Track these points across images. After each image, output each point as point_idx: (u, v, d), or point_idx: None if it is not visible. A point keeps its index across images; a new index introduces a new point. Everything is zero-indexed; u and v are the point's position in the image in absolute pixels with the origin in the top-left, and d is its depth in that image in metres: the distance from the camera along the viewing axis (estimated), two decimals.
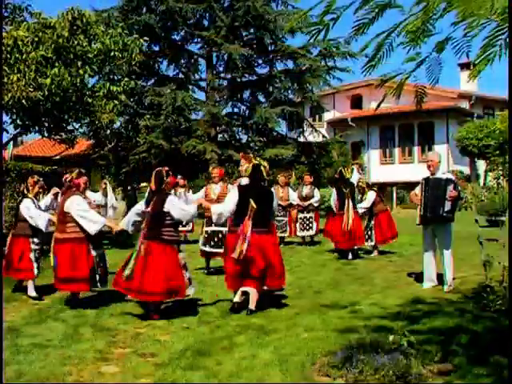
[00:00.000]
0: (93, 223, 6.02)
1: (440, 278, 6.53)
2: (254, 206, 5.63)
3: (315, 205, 11.61)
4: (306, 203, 11.50)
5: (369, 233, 9.79)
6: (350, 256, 9.42)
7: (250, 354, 4.34)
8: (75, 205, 6.07)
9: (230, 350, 4.49)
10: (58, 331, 5.13)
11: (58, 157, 25.57)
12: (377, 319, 5.12)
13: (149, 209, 5.74)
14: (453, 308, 5.35)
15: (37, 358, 4.33)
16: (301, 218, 11.49)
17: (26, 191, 7.11)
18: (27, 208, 6.75)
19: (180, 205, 5.87)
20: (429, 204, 6.41)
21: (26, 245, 6.79)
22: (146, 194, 6.06)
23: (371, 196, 9.88)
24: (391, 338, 4.05)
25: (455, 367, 3.77)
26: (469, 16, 2.46)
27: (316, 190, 11.85)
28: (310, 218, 11.48)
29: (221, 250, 7.65)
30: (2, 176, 15.84)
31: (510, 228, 5.72)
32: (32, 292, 6.73)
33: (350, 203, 9.33)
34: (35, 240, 6.88)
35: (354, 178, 9.77)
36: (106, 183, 7.78)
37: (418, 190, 6.75)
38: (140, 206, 6.00)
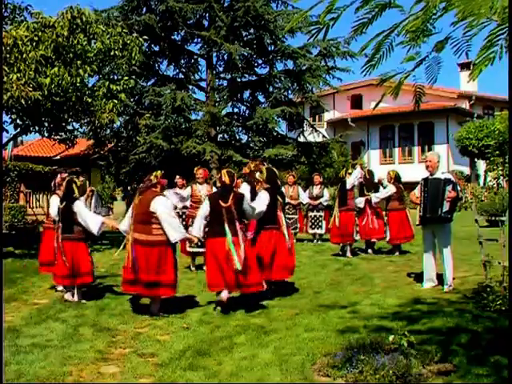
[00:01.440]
0: (174, 231, 5.74)
1: (440, 278, 6.52)
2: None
3: (324, 204, 12.00)
4: (316, 202, 11.90)
5: (383, 228, 9.88)
6: (348, 253, 9.72)
7: (250, 354, 4.34)
8: (163, 207, 5.78)
9: (230, 350, 4.49)
10: (57, 331, 5.13)
11: (58, 157, 25.62)
12: (377, 319, 5.12)
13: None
14: (453, 308, 5.35)
15: (37, 358, 4.33)
16: (311, 217, 11.99)
17: (57, 189, 7.11)
18: (82, 210, 6.51)
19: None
20: (428, 204, 6.40)
21: (86, 249, 6.62)
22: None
23: (388, 188, 9.82)
24: (391, 338, 4.05)
25: (455, 367, 3.77)
26: (468, 16, 2.46)
27: (325, 189, 12.30)
28: (320, 216, 11.92)
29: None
30: (2, 176, 15.85)
31: (510, 228, 5.72)
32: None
33: (337, 202, 9.94)
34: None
35: (352, 177, 9.83)
36: (92, 190, 7.84)
37: (417, 190, 6.75)
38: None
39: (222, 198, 5.99)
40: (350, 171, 10.26)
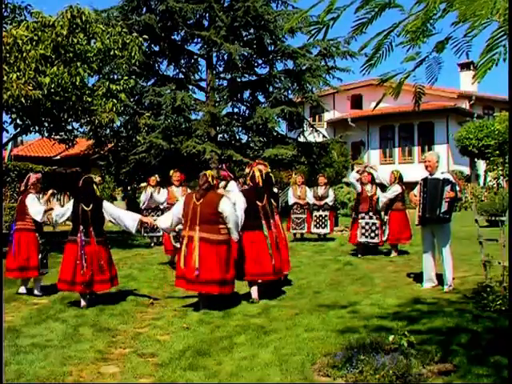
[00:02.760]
0: (236, 231, 6.09)
1: (440, 278, 6.52)
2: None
3: (330, 204, 12.10)
4: (322, 202, 12.03)
5: (382, 227, 9.75)
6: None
7: (250, 354, 4.34)
8: (230, 208, 6.05)
9: (230, 350, 4.48)
10: (57, 331, 5.13)
11: (58, 157, 25.60)
12: (377, 319, 5.12)
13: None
14: (453, 308, 5.35)
15: (37, 358, 4.33)
16: (316, 216, 12.09)
17: (30, 189, 7.04)
18: (113, 210, 6.52)
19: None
20: (427, 204, 6.41)
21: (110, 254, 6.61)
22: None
23: (396, 188, 9.72)
24: (391, 338, 4.05)
25: (455, 367, 3.77)
26: (470, 17, 2.45)
27: (331, 190, 12.43)
28: (326, 216, 12.03)
29: None
30: (2, 176, 15.84)
31: (510, 228, 5.72)
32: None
33: None
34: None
35: (351, 175, 9.92)
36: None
37: (416, 190, 6.75)
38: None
39: (258, 198, 6.53)
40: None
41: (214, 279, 5.83)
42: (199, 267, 5.79)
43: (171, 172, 9.57)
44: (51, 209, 6.81)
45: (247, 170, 7.14)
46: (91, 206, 6.21)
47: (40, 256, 6.86)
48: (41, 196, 7.28)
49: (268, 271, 6.33)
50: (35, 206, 6.85)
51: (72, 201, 6.46)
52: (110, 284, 6.33)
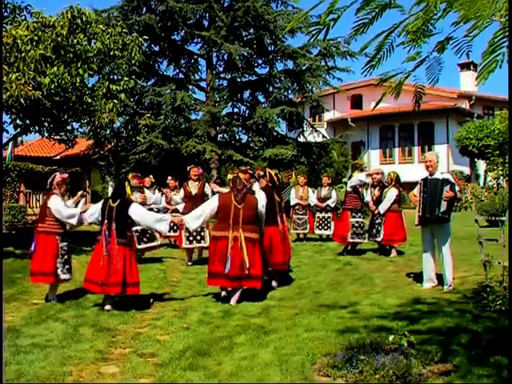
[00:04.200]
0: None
1: (440, 278, 6.52)
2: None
3: (332, 205, 12.08)
4: (323, 205, 12.01)
5: (378, 228, 9.72)
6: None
7: (250, 354, 4.34)
8: (264, 208, 6.63)
9: (230, 350, 4.49)
10: (57, 331, 5.13)
11: (58, 157, 25.60)
12: (377, 319, 5.12)
13: None
14: (453, 308, 5.34)
15: (37, 358, 4.33)
16: (319, 217, 12.11)
17: (54, 189, 6.66)
18: (141, 211, 6.48)
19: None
20: (427, 204, 6.41)
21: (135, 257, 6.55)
22: None
23: (392, 194, 9.64)
24: (391, 338, 4.05)
25: (455, 367, 3.77)
26: (471, 18, 2.45)
27: (333, 191, 12.36)
28: (328, 217, 12.03)
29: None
30: (2, 176, 15.86)
31: (510, 228, 5.72)
32: None
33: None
34: None
35: (353, 179, 9.89)
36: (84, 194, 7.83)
37: (416, 190, 6.75)
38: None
39: (277, 194, 7.33)
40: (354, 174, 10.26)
41: (259, 275, 6.28)
42: (249, 265, 6.18)
43: (188, 168, 9.74)
44: (86, 210, 6.68)
45: (261, 173, 7.55)
46: (118, 202, 6.19)
47: (59, 261, 6.46)
48: (65, 198, 6.91)
49: (279, 261, 7.11)
50: (64, 209, 6.52)
51: (102, 200, 6.50)
52: (122, 289, 6.00)
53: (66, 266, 6.53)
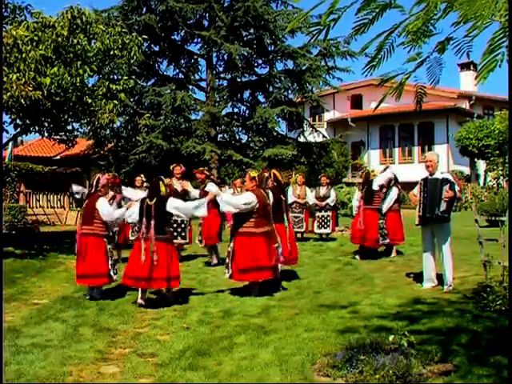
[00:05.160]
0: None
1: (440, 278, 6.52)
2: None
3: (331, 204, 12.14)
4: (323, 203, 12.05)
5: (385, 231, 9.64)
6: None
7: (250, 354, 4.34)
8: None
9: (230, 350, 4.49)
10: (57, 331, 5.13)
11: (58, 157, 25.61)
12: (377, 319, 5.12)
13: None
14: (453, 308, 5.34)
15: (37, 358, 4.33)
16: (318, 217, 12.13)
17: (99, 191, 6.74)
18: (178, 204, 6.67)
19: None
20: (427, 204, 6.42)
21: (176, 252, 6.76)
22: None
23: (393, 193, 9.60)
24: (391, 338, 4.05)
25: (455, 367, 3.77)
26: (472, 18, 2.45)
27: (332, 190, 12.47)
28: (328, 216, 12.07)
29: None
30: (2, 176, 15.86)
31: (510, 228, 5.72)
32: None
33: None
34: None
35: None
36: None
37: (416, 190, 6.76)
38: None
39: (282, 193, 7.65)
40: (375, 173, 10.12)
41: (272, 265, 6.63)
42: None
43: (172, 167, 9.72)
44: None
45: (266, 174, 7.63)
46: (154, 200, 6.31)
47: (110, 262, 6.64)
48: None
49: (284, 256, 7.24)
50: (114, 211, 6.72)
51: (140, 200, 6.61)
52: (167, 283, 6.22)
53: (115, 267, 6.77)
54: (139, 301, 6.16)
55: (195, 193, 8.66)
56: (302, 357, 4.17)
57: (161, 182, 6.44)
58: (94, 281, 6.58)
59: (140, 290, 6.25)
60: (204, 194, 8.18)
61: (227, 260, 6.77)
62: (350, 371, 3.75)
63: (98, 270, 6.51)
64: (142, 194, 10.02)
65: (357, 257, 9.43)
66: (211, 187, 8.50)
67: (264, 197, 6.72)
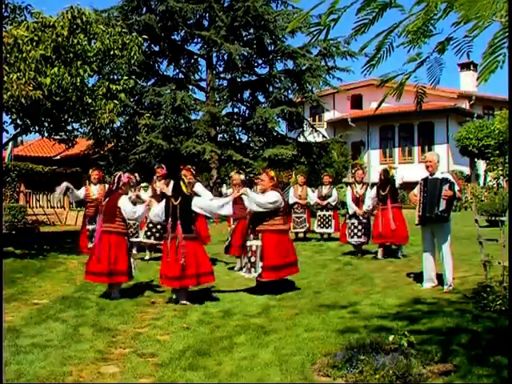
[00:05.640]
0: None
1: (440, 278, 6.53)
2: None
3: (333, 204, 12.12)
4: (324, 202, 12.05)
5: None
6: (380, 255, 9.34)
7: (250, 354, 4.34)
8: None
9: (230, 350, 4.49)
10: (57, 331, 5.13)
11: (58, 157, 25.62)
12: (377, 319, 5.12)
13: None
14: (453, 308, 5.35)
15: (37, 358, 4.32)
16: (320, 216, 12.11)
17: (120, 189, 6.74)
18: (202, 202, 6.80)
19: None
20: (427, 204, 6.43)
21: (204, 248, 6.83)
22: None
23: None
24: (391, 338, 4.05)
25: (455, 367, 3.77)
26: (472, 18, 2.44)
27: (334, 189, 12.46)
28: (329, 216, 12.04)
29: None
30: (2, 176, 15.86)
31: (510, 228, 5.72)
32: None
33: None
34: None
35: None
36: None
37: (416, 190, 6.77)
38: None
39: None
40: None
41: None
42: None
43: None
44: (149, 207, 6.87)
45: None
46: (179, 200, 6.37)
47: (131, 260, 6.69)
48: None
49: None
50: (136, 209, 6.73)
51: (165, 199, 6.66)
52: (196, 280, 6.29)
53: (133, 265, 6.79)
54: (182, 302, 6.26)
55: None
56: (301, 357, 4.17)
57: (181, 182, 6.51)
58: (116, 278, 6.59)
59: (172, 289, 6.42)
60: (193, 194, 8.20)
61: (253, 259, 6.68)
62: (350, 371, 3.75)
63: (120, 267, 6.53)
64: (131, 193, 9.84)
65: (379, 256, 9.31)
66: (199, 187, 8.46)
67: (283, 195, 6.99)
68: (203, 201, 6.74)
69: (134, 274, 6.79)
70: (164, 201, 6.60)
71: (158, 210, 6.60)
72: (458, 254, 7.64)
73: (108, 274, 6.49)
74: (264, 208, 6.63)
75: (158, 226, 9.18)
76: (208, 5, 19.00)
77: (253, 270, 6.67)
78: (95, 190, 9.37)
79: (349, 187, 10.45)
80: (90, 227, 9.21)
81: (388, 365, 3.67)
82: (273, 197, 6.68)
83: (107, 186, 8.84)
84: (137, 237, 9.81)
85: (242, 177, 9.30)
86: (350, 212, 9.91)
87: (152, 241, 9.62)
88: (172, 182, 8.72)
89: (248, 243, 6.79)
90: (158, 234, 9.34)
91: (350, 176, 26.99)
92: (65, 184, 9.34)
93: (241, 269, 7.22)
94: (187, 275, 6.19)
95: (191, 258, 6.22)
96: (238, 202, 7.37)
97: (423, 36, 2.87)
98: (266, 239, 6.63)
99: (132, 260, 6.76)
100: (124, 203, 6.61)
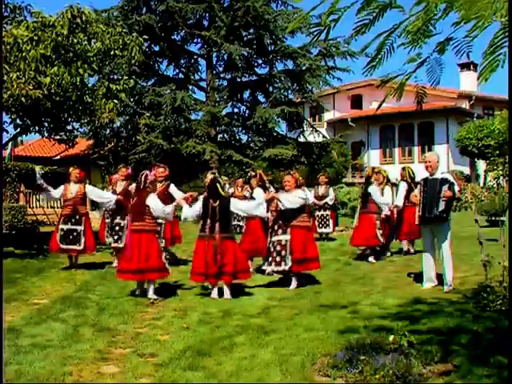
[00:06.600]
0: None
1: (440, 278, 6.52)
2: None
3: (330, 203, 12.12)
4: (321, 202, 12.04)
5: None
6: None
7: (250, 354, 4.34)
8: None
9: (230, 350, 4.48)
10: (58, 331, 5.12)
11: (58, 157, 25.61)
12: (377, 319, 5.12)
13: None
14: (453, 308, 5.34)
15: (37, 358, 4.32)
16: (318, 216, 12.07)
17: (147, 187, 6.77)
18: (239, 203, 7.07)
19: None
20: (426, 204, 6.43)
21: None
22: None
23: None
24: (391, 338, 4.05)
25: (456, 367, 3.77)
26: (473, 18, 2.45)
27: (331, 189, 12.46)
28: (327, 215, 12.05)
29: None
30: (2, 176, 15.84)
31: (510, 228, 5.72)
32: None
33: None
34: None
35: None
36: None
37: (417, 190, 6.78)
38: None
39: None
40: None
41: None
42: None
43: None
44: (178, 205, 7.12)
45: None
46: (218, 201, 6.61)
47: (164, 256, 6.80)
48: None
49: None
50: (165, 207, 6.82)
51: (202, 199, 6.83)
52: (234, 277, 6.56)
53: (168, 261, 6.97)
54: (214, 295, 6.54)
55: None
56: (301, 357, 4.17)
57: (218, 184, 6.71)
58: (147, 276, 6.67)
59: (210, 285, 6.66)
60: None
61: (283, 253, 7.08)
62: (350, 371, 3.75)
63: (151, 264, 6.58)
64: (108, 194, 9.34)
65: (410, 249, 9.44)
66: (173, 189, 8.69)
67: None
68: (241, 203, 7.07)
69: (170, 269, 6.91)
70: (201, 201, 6.82)
71: (192, 211, 6.81)
72: (458, 254, 7.63)
73: (140, 272, 6.58)
74: (295, 203, 7.10)
75: (117, 228, 8.90)
76: (208, 5, 19.00)
77: (283, 263, 7.07)
78: (73, 190, 8.96)
79: (402, 183, 9.85)
80: (64, 227, 8.75)
81: (388, 365, 3.67)
82: (300, 193, 7.27)
83: (128, 183, 9.00)
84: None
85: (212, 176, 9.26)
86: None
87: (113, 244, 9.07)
88: (172, 185, 8.82)
89: (276, 238, 7.20)
90: (116, 236, 8.93)
91: (350, 176, 27.00)
92: (38, 177, 9.07)
93: (264, 264, 7.49)
94: (225, 272, 6.45)
95: (230, 256, 6.47)
96: None
97: (423, 36, 2.87)
98: (294, 234, 7.09)
99: (164, 255, 6.86)
100: (153, 201, 6.70)
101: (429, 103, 22.33)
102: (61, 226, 8.81)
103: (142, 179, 6.73)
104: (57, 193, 9.11)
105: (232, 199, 6.95)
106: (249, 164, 19.04)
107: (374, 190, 9.30)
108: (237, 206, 6.77)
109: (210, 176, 8.98)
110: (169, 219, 7.39)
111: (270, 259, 7.20)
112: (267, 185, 8.81)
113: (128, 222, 6.93)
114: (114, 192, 9.17)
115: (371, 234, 9.10)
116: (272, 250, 7.21)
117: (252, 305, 6.12)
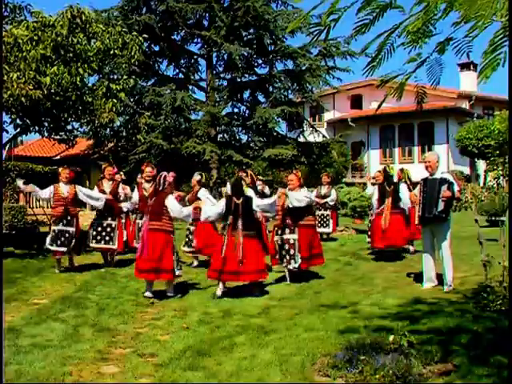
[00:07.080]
0: None
1: (440, 278, 6.53)
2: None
3: (331, 203, 12.10)
4: (322, 201, 12.02)
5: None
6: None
7: (250, 354, 4.34)
8: None
9: (230, 350, 4.49)
10: (58, 331, 5.13)
11: (58, 157, 25.61)
12: (377, 319, 5.12)
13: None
14: (453, 308, 5.34)
15: (37, 358, 4.32)
16: (318, 215, 12.00)
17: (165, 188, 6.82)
18: (259, 201, 7.14)
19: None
20: (426, 204, 6.43)
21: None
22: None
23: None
24: (391, 338, 4.05)
25: (456, 367, 3.77)
26: (473, 18, 2.45)
27: (333, 190, 12.46)
28: (327, 215, 12.03)
29: (65, 249, 8.59)
30: (2, 176, 15.84)
31: (510, 228, 5.72)
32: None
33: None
34: None
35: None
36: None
37: (417, 190, 6.78)
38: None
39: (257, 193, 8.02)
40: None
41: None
42: None
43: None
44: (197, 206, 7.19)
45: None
46: (241, 199, 6.75)
47: (174, 258, 6.75)
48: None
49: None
50: (182, 208, 6.88)
51: (224, 198, 6.98)
52: (253, 276, 6.62)
53: (180, 263, 6.98)
54: (218, 292, 6.58)
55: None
56: (301, 357, 4.17)
57: (243, 182, 6.95)
58: (162, 276, 6.69)
59: (220, 283, 6.66)
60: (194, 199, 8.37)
61: (292, 251, 7.33)
62: (350, 371, 3.75)
63: (165, 265, 6.61)
64: (98, 194, 9.18)
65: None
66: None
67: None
68: (262, 201, 7.17)
69: (179, 272, 6.88)
70: (224, 200, 6.95)
71: (215, 209, 6.95)
72: (458, 254, 7.64)
73: (155, 271, 6.61)
74: (302, 202, 7.27)
75: (108, 229, 8.83)
76: (208, 5, 18.99)
77: (292, 261, 7.32)
78: (65, 190, 8.83)
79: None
80: (55, 228, 8.64)
81: (388, 365, 3.67)
82: (306, 192, 7.50)
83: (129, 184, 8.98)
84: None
85: (198, 177, 9.14)
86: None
87: (102, 245, 8.91)
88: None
89: (284, 237, 7.41)
90: (108, 238, 8.85)
91: (350, 176, 27.00)
92: (20, 183, 8.89)
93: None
94: (246, 271, 6.52)
95: (253, 255, 6.57)
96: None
97: (423, 36, 2.87)
98: (302, 233, 7.36)
99: (175, 258, 6.81)
100: (171, 202, 6.75)
101: (429, 103, 22.21)
102: (53, 228, 8.73)
103: (161, 180, 6.78)
104: (45, 193, 8.93)
105: (254, 199, 7.02)
106: (249, 164, 19.04)
107: (403, 189, 9.16)
108: (257, 204, 6.91)
109: (196, 177, 9.07)
110: (187, 220, 7.53)
111: (281, 257, 7.46)
112: (258, 185, 9.01)
113: (144, 222, 6.91)
114: (102, 192, 9.12)
115: (408, 231, 9.16)
116: (281, 248, 7.43)
117: (252, 305, 6.12)
